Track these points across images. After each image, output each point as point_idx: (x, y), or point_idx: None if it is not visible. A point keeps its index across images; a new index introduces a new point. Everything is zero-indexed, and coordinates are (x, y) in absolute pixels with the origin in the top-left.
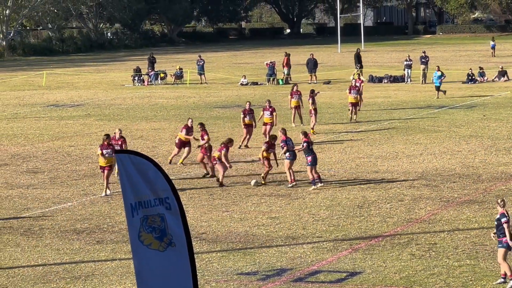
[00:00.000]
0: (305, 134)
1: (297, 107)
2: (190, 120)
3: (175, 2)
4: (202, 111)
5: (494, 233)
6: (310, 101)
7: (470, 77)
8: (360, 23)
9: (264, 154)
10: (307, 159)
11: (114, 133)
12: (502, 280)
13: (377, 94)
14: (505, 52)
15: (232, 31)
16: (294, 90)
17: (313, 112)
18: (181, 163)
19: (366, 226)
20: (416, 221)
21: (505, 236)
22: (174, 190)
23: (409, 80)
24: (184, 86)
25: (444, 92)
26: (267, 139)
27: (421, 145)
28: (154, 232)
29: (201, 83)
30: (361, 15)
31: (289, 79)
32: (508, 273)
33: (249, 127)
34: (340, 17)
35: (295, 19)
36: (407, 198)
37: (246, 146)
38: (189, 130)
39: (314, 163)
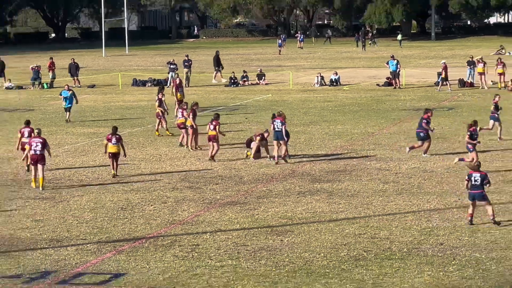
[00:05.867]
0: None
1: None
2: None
3: None
4: None
5: None
6: (157, 103)
7: (232, 80)
8: (124, 28)
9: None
10: None
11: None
12: None
13: (141, 98)
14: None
15: None
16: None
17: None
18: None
19: (130, 228)
20: (179, 223)
21: None
22: None
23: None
24: None
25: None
26: None
27: (184, 147)
28: None
29: None
30: (126, 19)
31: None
32: None
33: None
34: (104, 21)
35: (60, 23)
36: (170, 200)
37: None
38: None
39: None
